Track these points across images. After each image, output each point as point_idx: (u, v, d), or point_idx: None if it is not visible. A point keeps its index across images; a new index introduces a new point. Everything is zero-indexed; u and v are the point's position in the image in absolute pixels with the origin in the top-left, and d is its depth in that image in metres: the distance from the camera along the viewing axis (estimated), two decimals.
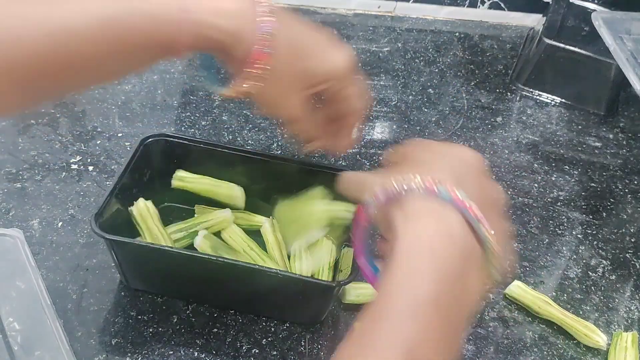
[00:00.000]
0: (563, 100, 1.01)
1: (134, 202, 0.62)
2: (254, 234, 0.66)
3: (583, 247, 0.75)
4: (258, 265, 0.60)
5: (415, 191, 0.37)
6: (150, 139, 0.65)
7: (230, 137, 0.81)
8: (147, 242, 0.60)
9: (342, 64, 0.51)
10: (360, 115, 0.55)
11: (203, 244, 0.62)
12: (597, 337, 0.62)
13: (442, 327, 0.35)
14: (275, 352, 0.57)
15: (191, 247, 0.63)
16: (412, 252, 0.35)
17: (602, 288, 0.70)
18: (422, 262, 0.35)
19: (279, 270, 0.58)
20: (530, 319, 0.65)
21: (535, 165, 0.87)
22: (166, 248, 0.58)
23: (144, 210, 0.62)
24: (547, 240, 0.75)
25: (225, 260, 0.58)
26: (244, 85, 0.48)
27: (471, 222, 0.36)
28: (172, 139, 0.66)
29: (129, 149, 0.76)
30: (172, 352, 0.56)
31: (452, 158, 0.41)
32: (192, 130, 0.81)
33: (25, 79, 0.41)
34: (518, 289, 0.66)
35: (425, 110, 0.94)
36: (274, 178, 0.66)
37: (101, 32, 0.42)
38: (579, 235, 0.77)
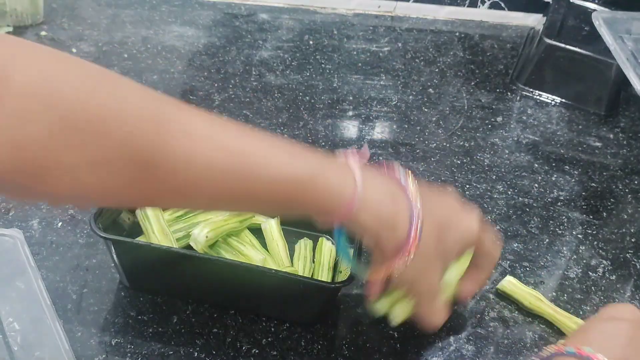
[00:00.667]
0: (563, 100, 1.01)
1: None
2: (256, 232, 0.66)
3: (583, 247, 0.75)
4: (258, 265, 0.60)
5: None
6: None
7: None
8: (146, 242, 0.60)
9: (476, 227, 0.53)
10: (495, 262, 0.58)
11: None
12: None
13: None
14: (275, 352, 0.57)
15: (190, 247, 0.63)
16: None
17: (602, 288, 0.70)
18: None
19: (279, 270, 0.58)
20: (530, 319, 0.65)
21: (536, 165, 0.87)
22: (166, 248, 0.58)
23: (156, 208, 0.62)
24: (547, 240, 0.75)
25: (226, 260, 0.58)
26: (390, 271, 0.50)
27: None
28: None
29: None
30: (172, 352, 0.56)
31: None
32: None
33: (160, 197, 0.42)
34: (509, 284, 0.66)
35: (425, 110, 0.94)
36: None
37: (273, 192, 0.44)
38: (579, 235, 0.77)
